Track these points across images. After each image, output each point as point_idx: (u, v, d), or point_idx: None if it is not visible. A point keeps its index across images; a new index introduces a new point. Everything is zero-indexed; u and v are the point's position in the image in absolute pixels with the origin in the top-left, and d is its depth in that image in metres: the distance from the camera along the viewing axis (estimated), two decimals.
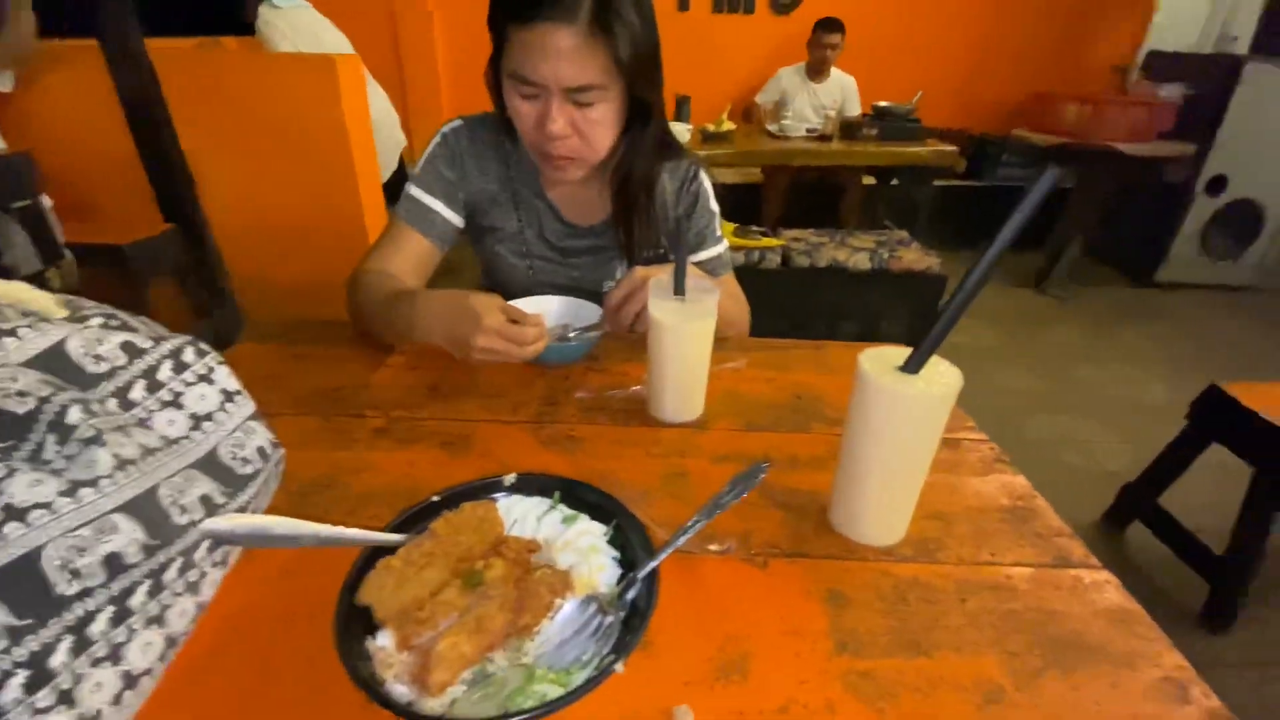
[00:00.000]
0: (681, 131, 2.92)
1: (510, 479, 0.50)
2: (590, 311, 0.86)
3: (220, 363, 0.48)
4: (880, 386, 0.47)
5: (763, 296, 2.42)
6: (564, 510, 0.49)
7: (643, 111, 0.81)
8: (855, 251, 2.43)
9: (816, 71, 3.28)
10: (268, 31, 2.29)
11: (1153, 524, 1.68)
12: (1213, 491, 1.81)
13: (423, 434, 0.67)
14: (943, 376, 0.48)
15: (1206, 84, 3.19)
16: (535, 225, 0.94)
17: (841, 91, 3.30)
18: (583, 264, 0.96)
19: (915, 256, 2.41)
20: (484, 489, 0.50)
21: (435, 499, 0.48)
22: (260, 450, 0.49)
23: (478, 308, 0.65)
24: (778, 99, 3.39)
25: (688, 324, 0.66)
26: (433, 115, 3.87)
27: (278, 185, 2.09)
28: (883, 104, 3.00)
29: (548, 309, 0.87)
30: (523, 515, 0.48)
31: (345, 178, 2.10)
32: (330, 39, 2.45)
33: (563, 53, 0.69)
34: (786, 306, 2.49)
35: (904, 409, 0.47)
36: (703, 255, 0.96)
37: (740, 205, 3.69)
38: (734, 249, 2.51)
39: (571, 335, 0.81)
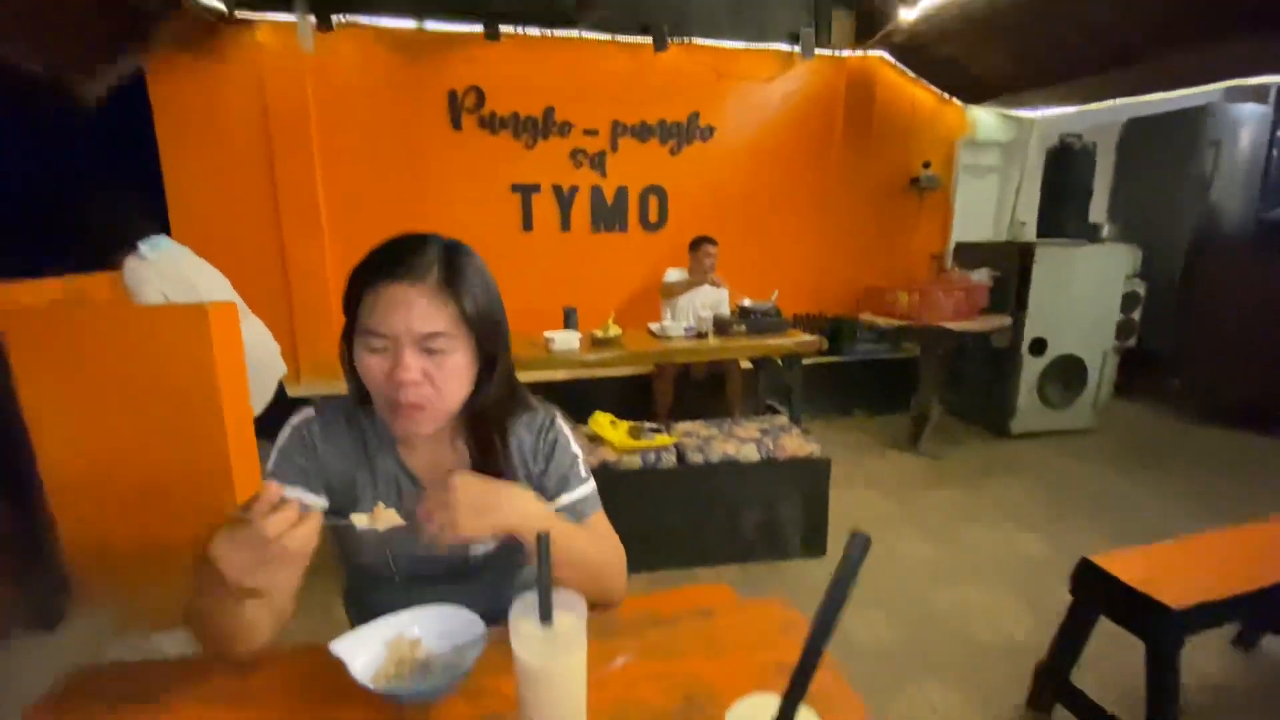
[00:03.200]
0: (570, 338, 3.05)
1: None
2: (468, 625, 0.78)
3: None
4: None
5: (665, 494, 2.47)
6: None
7: (490, 363, 0.85)
8: (743, 443, 2.53)
9: (702, 273, 3.67)
10: (135, 284, 2.23)
11: (1071, 705, 1.66)
12: (1117, 658, 1.85)
13: None
14: None
15: (1008, 265, 3.83)
16: (393, 497, 0.89)
17: (717, 296, 3.69)
18: None
19: (797, 444, 2.53)
20: None
21: None
22: None
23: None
24: (678, 278, 3.74)
25: (557, 661, 0.61)
26: (323, 334, 3.89)
27: (137, 441, 1.97)
28: (747, 303, 3.32)
29: (418, 624, 0.78)
30: None
31: (214, 429, 1.99)
32: (205, 283, 2.42)
33: (413, 304, 0.76)
34: (688, 502, 2.50)
35: None
36: (568, 498, 0.93)
37: (633, 395, 3.84)
38: (631, 452, 2.53)
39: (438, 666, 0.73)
